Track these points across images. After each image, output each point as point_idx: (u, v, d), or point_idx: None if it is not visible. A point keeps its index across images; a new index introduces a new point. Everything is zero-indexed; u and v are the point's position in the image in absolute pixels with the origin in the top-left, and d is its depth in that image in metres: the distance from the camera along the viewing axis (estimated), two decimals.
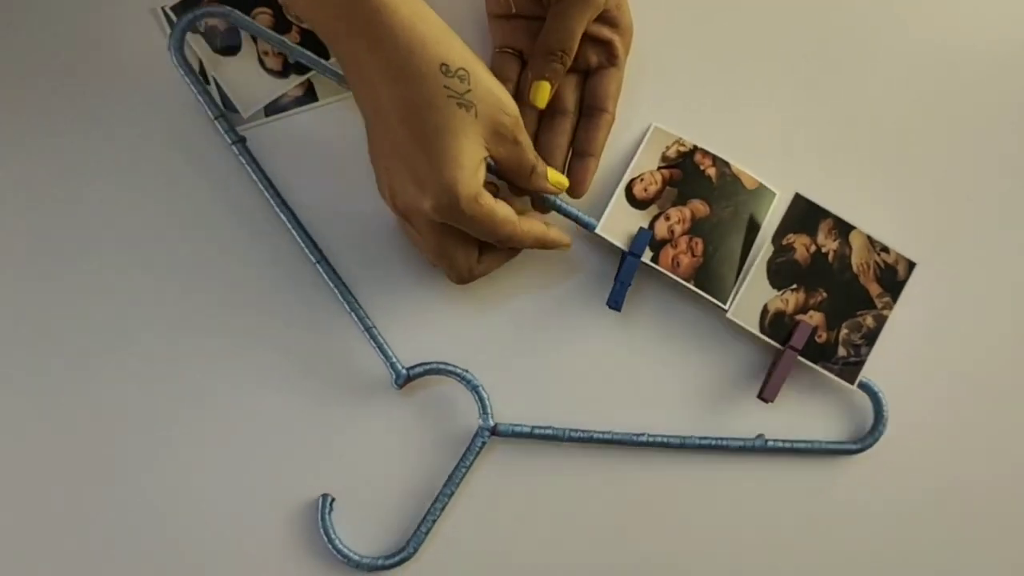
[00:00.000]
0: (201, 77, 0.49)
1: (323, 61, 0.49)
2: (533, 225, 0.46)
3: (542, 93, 0.48)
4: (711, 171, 0.50)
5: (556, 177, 0.47)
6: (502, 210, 0.44)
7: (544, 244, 0.47)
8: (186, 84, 0.48)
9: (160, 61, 0.48)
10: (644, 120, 0.51)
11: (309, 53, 0.48)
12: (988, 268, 0.52)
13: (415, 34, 0.40)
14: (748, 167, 0.50)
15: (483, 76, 0.42)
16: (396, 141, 0.42)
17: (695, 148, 0.50)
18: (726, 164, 0.50)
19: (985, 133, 0.52)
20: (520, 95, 0.49)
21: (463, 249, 0.46)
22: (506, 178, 0.46)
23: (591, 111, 0.50)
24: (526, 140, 0.44)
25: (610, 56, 0.49)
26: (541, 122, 0.50)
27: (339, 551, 0.48)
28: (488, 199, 0.43)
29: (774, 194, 0.50)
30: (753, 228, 0.50)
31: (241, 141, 0.49)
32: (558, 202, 0.49)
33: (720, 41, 0.52)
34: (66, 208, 0.50)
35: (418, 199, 0.42)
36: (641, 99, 0.49)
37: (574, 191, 0.50)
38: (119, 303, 0.49)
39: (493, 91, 0.42)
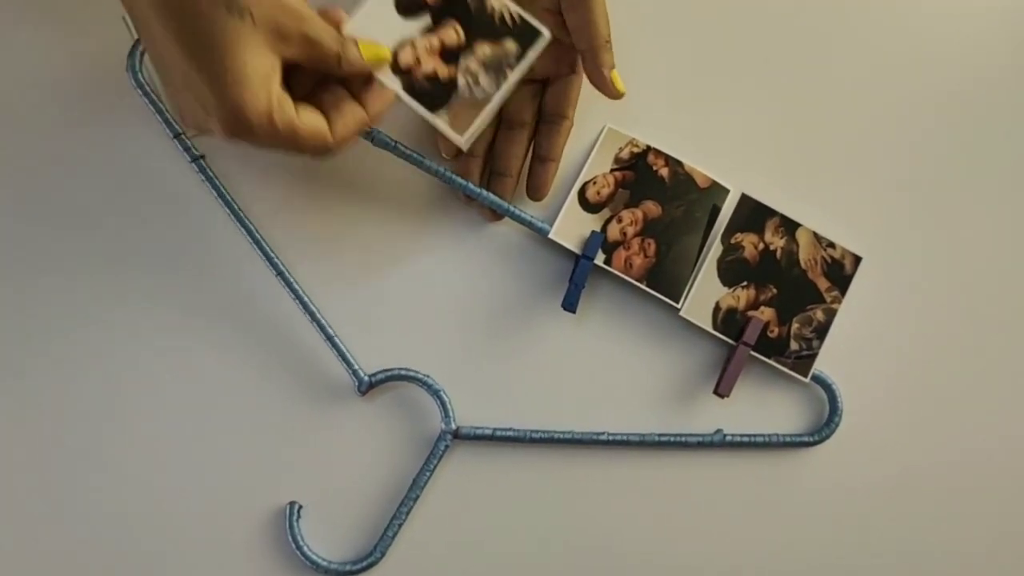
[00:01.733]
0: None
1: None
2: (347, 118, 0.40)
3: (618, 79, 0.48)
4: (664, 171, 0.51)
5: (371, 51, 0.40)
6: (307, 122, 0.38)
7: (368, 126, 0.42)
8: (144, 104, 0.49)
9: (120, 78, 0.49)
10: (598, 121, 0.52)
11: None
12: (932, 259, 0.53)
13: None
14: (701, 166, 0.51)
15: None
16: (170, 58, 0.36)
17: (648, 148, 0.51)
18: (679, 163, 0.51)
19: (925, 127, 0.54)
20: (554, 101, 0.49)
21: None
22: (317, 75, 0.41)
23: (552, 118, 0.50)
24: (320, 33, 0.38)
25: (571, 63, 0.50)
26: (498, 133, 0.51)
27: (308, 558, 0.49)
28: (285, 114, 0.37)
29: (727, 191, 0.51)
30: (708, 226, 0.51)
31: (201, 158, 0.50)
32: (512, 209, 0.50)
33: (672, 41, 0.54)
34: (25, 229, 0.51)
35: (208, 123, 0.37)
36: (595, 100, 0.50)
37: (535, 194, 0.51)
38: (82, 316, 0.50)
39: None
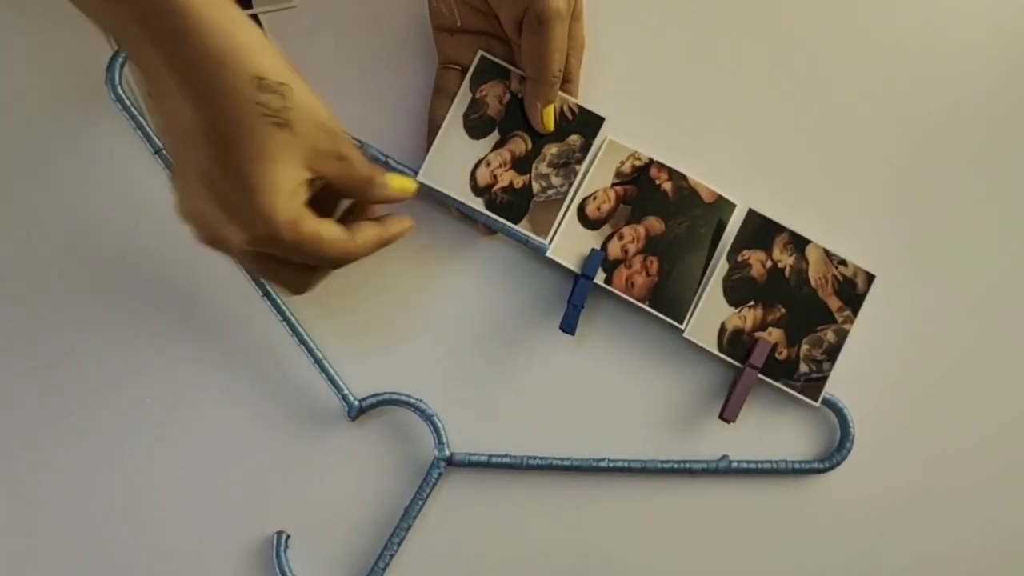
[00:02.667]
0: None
1: None
2: (367, 232, 0.41)
3: (550, 116, 0.48)
4: (667, 185, 0.49)
5: (399, 182, 0.42)
6: (328, 231, 0.39)
7: (385, 244, 0.43)
8: (124, 118, 0.47)
9: (98, 91, 0.47)
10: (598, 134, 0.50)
11: None
12: (948, 277, 0.50)
13: (227, 42, 0.34)
14: (706, 179, 0.49)
15: (303, 90, 0.37)
16: (201, 165, 0.37)
17: (651, 162, 0.49)
18: (683, 177, 0.49)
19: (941, 141, 0.51)
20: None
21: (293, 268, 0.41)
22: (343, 195, 0.42)
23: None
24: (353, 153, 0.39)
25: (566, 73, 0.48)
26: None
27: None
28: (310, 223, 0.38)
29: (734, 205, 0.49)
30: (713, 242, 0.49)
31: None
32: (508, 227, 0.48)
33: (675, 51, 0.51)
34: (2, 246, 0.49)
35: (230, 231, 0.37)
36: (595, 110, 0.48)
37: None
38: (63, 340, 0.49)
39: (313, 107, 0.37)
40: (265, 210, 0.36)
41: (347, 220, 0.42)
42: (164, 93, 0.36)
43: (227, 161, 0.36)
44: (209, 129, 0.36)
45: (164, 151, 0.47)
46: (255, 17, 0.49)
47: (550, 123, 0.48)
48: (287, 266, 0.41)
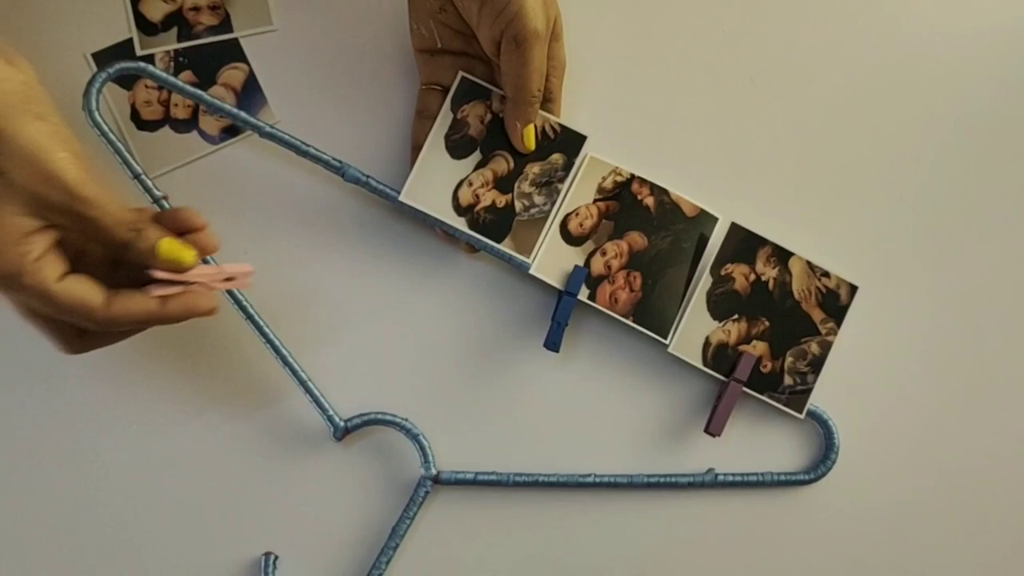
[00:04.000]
0: (121, 134, 0.48)
1: (254, 120, 0.48)
2: (129, 305, 0.37)
3: (531, 136, 0.48)
4: (649, 200, 0.49)
5: (170, 251, 0.37)
6: (67, 293, 0.36)
7: (160, 322, 0.39)
8: (103, 144, 0.47)
9: (76, 118, 0.47)
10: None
11: (230, 108, 0.47)
12: (932, 287, 0.50)
13: None
14: (688, 194, 0.49)
15: (20, 138, 0.34)
16: None
17: (632, 177, 0.49)
18: (664, 192, 0.49)
19: (922, 152, 0.51)
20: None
21: (48, 322, 0.38)
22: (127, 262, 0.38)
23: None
24: (100, 211, 0.36)
25: (547, 92, 0.48)
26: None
27: None
28: (39, 278, 0.35)
29: (716, 219, 0.49)
30: (696, 257, 0.49)
31: (164, 199, 0.47)
32: (491, 246, 0.48)
33: (655, 68, 0.51)
34: None
35: None
36: (575, 128, 0.48)
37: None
38: (46, 363, 0.48)
39: (35, 158, 0.34)
40: None
41: (122, 277, 0.38)
42: None
43: None
44: None
45: (143, 176, 0.47)
46: (235, 42, 0.49)
47: (531, 143, 0.48)
48: (41, 318, 0.38)
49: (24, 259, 0.35)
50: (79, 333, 0.39)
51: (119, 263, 0.39)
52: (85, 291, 0.36)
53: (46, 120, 0.35)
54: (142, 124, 0.49)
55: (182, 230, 0.39)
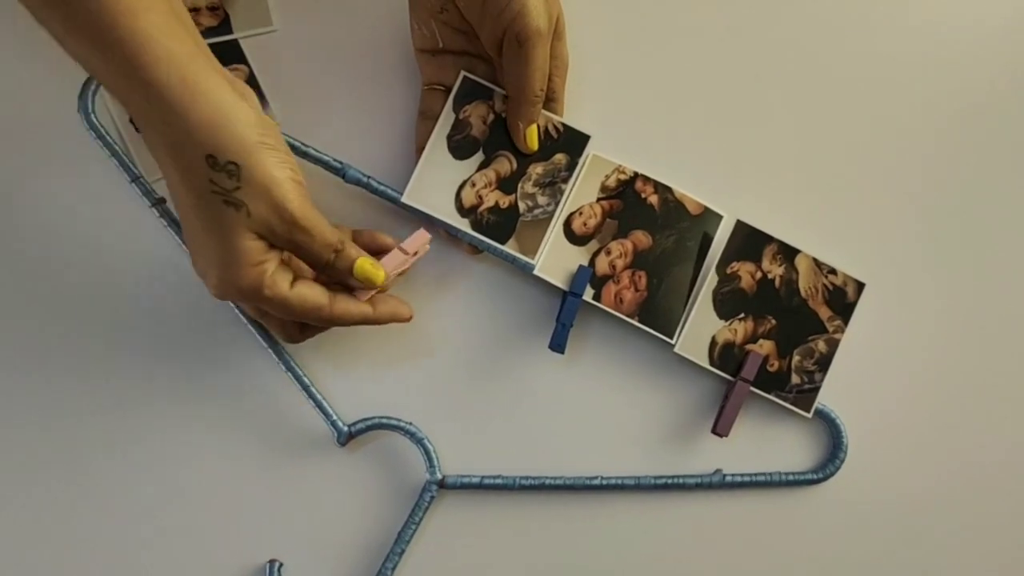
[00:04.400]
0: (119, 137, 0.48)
1: None
2: (349, 307, 0.43)
3: (534, 136, 0.47)
4: (653, 199, 0.49)
5: (365, 274, 0.42)
6: (300, 298, 0.41)
7: (369, 323, 0.44)
8: (99, 146, 0.46)
9: (72, 120, 0.47)
10: None
11: None
12: (939, 284, 0.50)
13: (182, 118, 0.36)
14: (692, 192, 0.48)
15: (259, 170, 0.37)
16: (185, 220, 0.39)
17: (636, 175, 0.49)
18: (668, 190, 0.49)
19: (929, 148, 0.51)
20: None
21: (276, 321, 0.44)
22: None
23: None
24: (312, 236, 0.40)
25: (549, 91, 0.47)
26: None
27: None
28: (277, 290, 0.40)
29: (721, 217, 0.48)
30: (701, 255, 0.48)
31: (160, 203, 0.47)
32: (495, 247, 0.47)
33: (655, 64, 0.51)
34: None
35: (206, 280, 0.40)
36: (578, 127, 0.48)
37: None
38: (45, 370, 0.48)
39: (267, 189, 0.38)
40: (228, 276, 0.39)
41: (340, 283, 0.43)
42: (175, 184, 0.38)
43: (197, 230, 0.39)
44: (180, 190, 0.38)
45: (142, 179, 0.47)
46: (235, 43, 0.49)
47: (534, 143, 0.47)
48: (270, 318, 0.44)
49: (263, 276, 0.39)
50: (301, 328, 0.45)
51: None
52: (314, 295, 0.41)
53: (276, 150, 0.38)
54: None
55: (372, 248, 0.45)
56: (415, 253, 0.45)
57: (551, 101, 0.48)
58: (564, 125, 0.48)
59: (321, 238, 0.40)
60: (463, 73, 0.48)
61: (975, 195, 0.51)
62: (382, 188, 0.48)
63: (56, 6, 0.35)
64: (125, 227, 0.48)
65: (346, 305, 0.43)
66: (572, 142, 0.48)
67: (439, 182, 0.48)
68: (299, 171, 0.39)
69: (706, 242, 0.48)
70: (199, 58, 0.37)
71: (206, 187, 0.37)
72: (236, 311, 0.47)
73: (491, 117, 0.48)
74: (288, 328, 0.45)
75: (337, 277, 0.42)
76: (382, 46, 0.49)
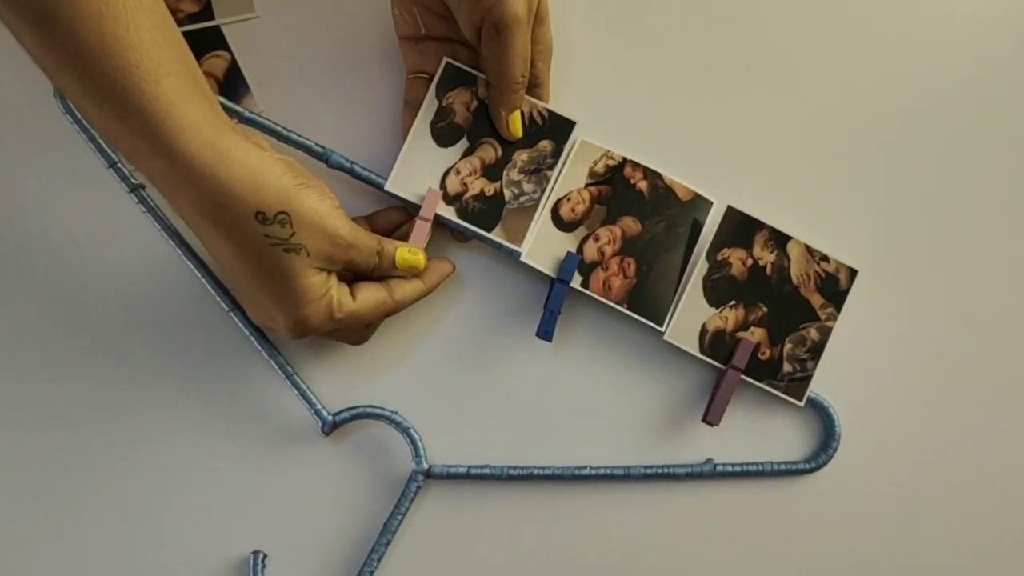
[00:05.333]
0: None
1: (234, 105, 0.46)
2: (405, 288, 0.45)
3: (517, 123, 0.46)
4: (642, 184, 0.48)
5: (405, 260, 0.44)
6: (366, 302, 0.43)
7: (427, 293, 0.46)
8: (75, 131, 0.45)
9: (47, 105, 0.46)
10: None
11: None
12: (932, 271, 0.49)
13: (219, 184, 0.36)
14: (682, 177, 0.47)
15: (305, 210, 0.39)
16: (238, 278, 0.40)
17: (624, 161, 0.48)
18: (658, 176, 0.48)
19: (923, 134, 0.50)
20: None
21: (343, 331, 0.45)
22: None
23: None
24: (357, 250, 0.42)
25: (533, 77, 0.46)
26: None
27: None
28: (346, 309, 0.42)
29: (711, 203, 0.48)
30: (691, 242, 0.48)
31: (140, 187, 0.46)
32: (479, 232, 0.46)
33: (644, 47, 0.50)
34: None
35: (275, 326, 0.42)
36: (565, 112, 0.47)
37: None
38: (22, 361, 0.47)
39: (318, 224, 0.39)
40: (299, 319, 0.41)
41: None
42: (182, 213, 0.39)
43: (257, 281, 0.40)
44: (235, 257, 0.39)
45: (119, 164, 0.46)
46: (216, 30, 0.48)
47: (517, 130, 0.46)
48: (341, 331, 0.45)
49: (331, 303, 0.41)
50: (365, 326, 0.46)
51: None
52: (376, 295, 0.44)
53: (312, 186, 0.40)
54: None
55: (390, 228, 0.47)
56: (433, 217, 0.46)
57: (535, 87, 0.47)
58: (549, 111, 0.47)
59: (367, 248, 0.42)
60: (445, 59, 0.47)
61: (970, 183, 0.50)
62: (366, 174, 0.47)
63: (75, 72, 0.34)
64: (102, 214, 0.47)
65: (403, 290, 0.45)
66: (558, 128, 0.47)
67: (423, 169, 0.47)
68: (331, 193, 0.41)
69: (696, 228, 0.47)
70: (218, 120, 0.37)
71: (262, 242, 0.38)
72: (217, 299, 0.46)
73: (475, 104, 0.47)
74: (357, 331, 0.46)
75: (383, 275, 0.44)
76: (365, 33, 0.48)
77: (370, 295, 0.43)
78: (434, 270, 0.46)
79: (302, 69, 0.48)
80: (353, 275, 0.44)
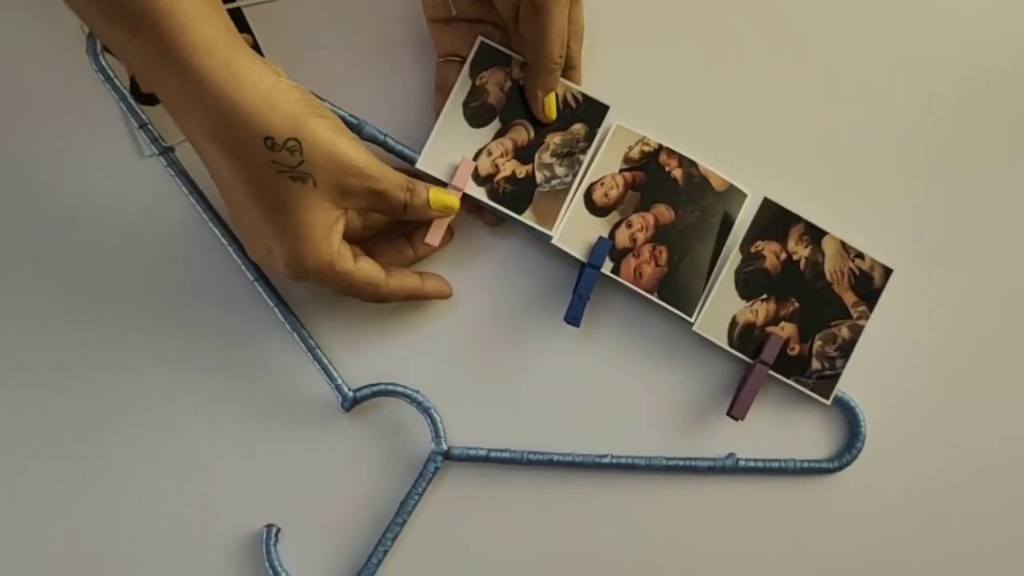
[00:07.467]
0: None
1: None
2: (404, 280, 0.44)
3: (552, 104, 0.45)
4: (677, 172, 0.47)
5: (441, 202, 0.43)
6: (362, 273, 0.42)
7: (418, 297, 0.45)
8: (107, 90, 0.44)
9: (81, 72, 0.45)
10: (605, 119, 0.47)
11: None
12: (969, 273, 0.48)
13: (229, 104, 0.36)
14: (718, 167, 0.47)
15: (317, 139, 0.38)
16: (240, 205, 0.39)
17: (660, 147, 0.47)
18: (693, 164, 0.47)
19: (967, 130, 0.49)
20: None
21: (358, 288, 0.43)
22: (389, 246, 0.45)
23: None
24: (384, 182, 0.40)
25: (567, 59, 0.45)
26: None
27: None
28: (344, 264, 0.40)
29: (745, 195, 0.47)
30: (723, 233, 0.47)
31: (170, 150, 0.45)
32: (510, 214, 0.46)
33: (686, 32, 0.49)
34: None
35: (273, 264, 0.40)
36: (601, 96, 0.46)
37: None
38: (45, 328, 0.46)
39: (330, 153, 0.38)
40: (297, 255, 0.39)
41: (388, 256, 0.45)
42: (192, 136, 0.38)
43: (262, 210, 0.38)
44: (236, 178, 0.38)
45: (149, 126, 0.45)
46: (238, 12, 0.46)
47: (552, 112, 0.46)
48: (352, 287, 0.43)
49: (332, 250, 0.40)
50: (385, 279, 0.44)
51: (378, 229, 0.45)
52: (374, 271, 0.42)
53: (324, 116, 0.39)
54: (142, 98, 0.45)
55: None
56: (464, 187, 0.45)
57: (569, 69, 0.46)
58: (583, 95, 0.46)
59: (393, 181, 0.41)
60: (480, 38, 0.46)
61: (1014, 183, 0.49)
62: (399, 147, 0.46)
63: None
64: (131, 176, 0.46)
65: (400, 281, 0.44)
66: (591, 112, 0.46)
67: (455, 148, 0.46)
68: (347, 129, 0.40)
69: (729, 220, 0.47)
70: (234, 40, 0.36)
71: (269, 168, 0.37)
72: (243, 268, 0.46)
73: (508, 84, 0.46)
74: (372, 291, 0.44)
75: (416, 215, 0.43)
76: (390, 16, 0.47)
77: (368, 267, 0.42)
78: (434, 280, 0.46)
79: (325, 52, 0.47)
80: (375, 228, 0.44)
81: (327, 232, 0.39)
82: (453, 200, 0.43)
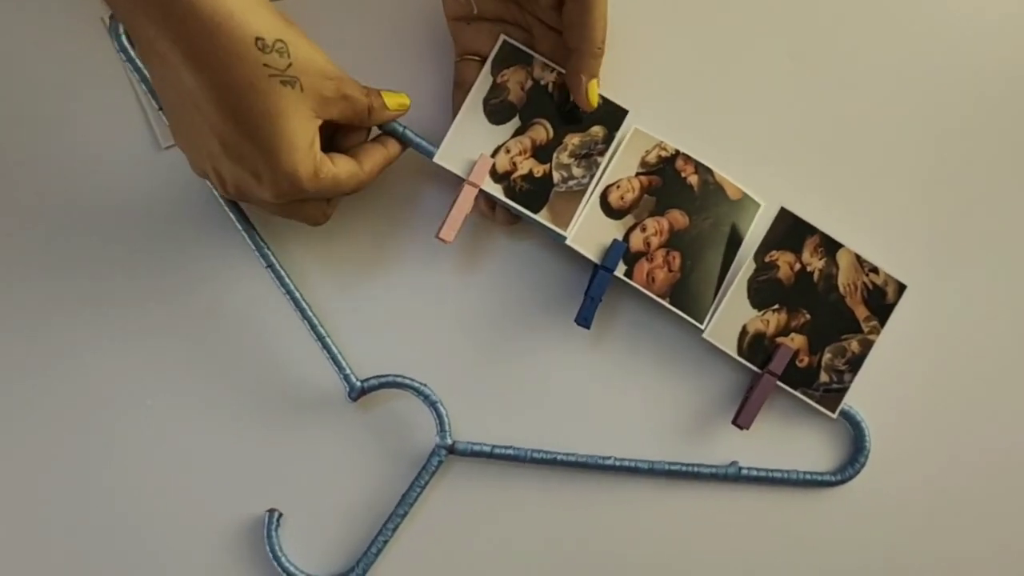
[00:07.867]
0: None
1: None
2: (374, 157, 0.44)
3: (595, 91, 0.45)
4: (693, 179, 0.47)
5: (395, 101, 0.43)
6: (344, 170, 0.42)
7: (390, 163, 0.45)
8: (126, 73, 0.44)
9: (100, 42, 0.45)
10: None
11: None
12: (984, 293, 0.48)
13: (219, 5, 0.35)
14: (732, 175, 0.47)
15: (301, 44, 0.38)
16: (214, 127, 0.38)
17: (677, 153, 0.47)
18: (709, 171, 0.47)
19: (983, 151, 0.49)
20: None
21: (311, 204, 0.43)
22: (350, 127, 0.44)
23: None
24: (351, 87, 0.41)
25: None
26: None
27: (284, 569, 0.46)
28: (328, 168, 0.40)
29: (759, 205, 0.47)
30: (734, 242, 0.47)
31: None
32: (525, 213, 0.46)
33: (707, 39, 0.49)
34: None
35: (257, 188, 0.40)
36: (619, 99, 0.46)
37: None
38: (56, 312, 0.47)
39: (313, 58, 0.38)
40: (287, 169, 0.38)
41: (352, 144, 0.44)
42: (160, 59, 0.36)
43: (242, 124, 0.37)
44: (218, 94, 0.37)
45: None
46: None
47: (594, 98, 0.45)
48: (307, 204, 0.43)
49: (316, 159, 0.40)
50: (327, 203, 0.44)
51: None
52: (351, 165, 0.42)
53: (304, 37, 0.39)
54: None
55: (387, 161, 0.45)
56: (481, 183, 0.45)
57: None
58: (603, 98, 0.46)
59: (355, 86, 0.41)
60: (503, 37, 0.46)
61: None
62: (417, 140, 0.46)
63: None
64: (146, 161, 0.47)
65: (372, 160, 0.44)
66: (610, 115, 0.46)
67: (473, 145, 0.46)
68: None
69: (742, 229, 0.47)
70: None
71: (260, 72, 0.36)
72: (256, 255, 0.46)
73: (529, 83, 0.46)
74: (319, 208, 0.44)
75: (379, 118, 0.43)
76: (410, 15, 0.47)
77: (343, 161, 0.42)
78: (390, 142, 0.45)
79: (342, 49, 0.45)
80: (332, 133, 0.43)
81: (311, 142, 0.39)
82: (404, 97, 0.44)
